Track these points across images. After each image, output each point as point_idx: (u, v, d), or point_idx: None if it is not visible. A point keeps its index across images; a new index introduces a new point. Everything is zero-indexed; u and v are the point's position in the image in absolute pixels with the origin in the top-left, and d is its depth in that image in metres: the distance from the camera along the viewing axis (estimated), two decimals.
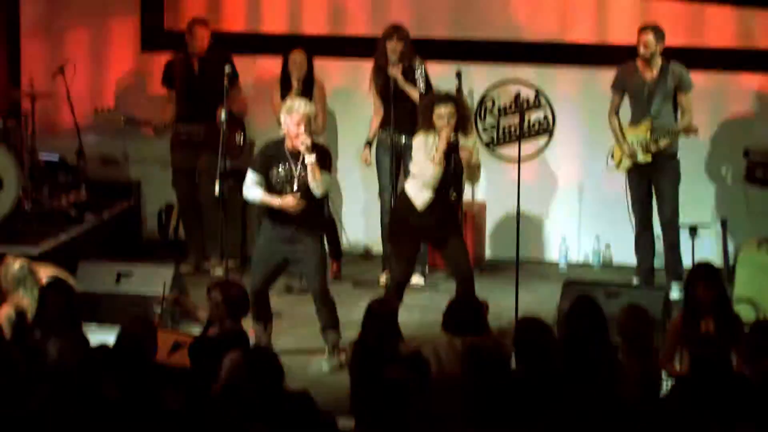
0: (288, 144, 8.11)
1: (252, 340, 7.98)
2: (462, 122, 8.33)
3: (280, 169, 8.12)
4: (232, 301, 7.41)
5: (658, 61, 9.40)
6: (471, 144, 8.40)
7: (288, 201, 8.07)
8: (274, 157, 8.17)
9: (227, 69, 9.42)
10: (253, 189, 8.17)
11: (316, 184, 8.05)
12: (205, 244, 10.19)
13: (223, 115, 9.30)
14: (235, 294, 7.47)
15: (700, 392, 5.92)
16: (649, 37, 9.33)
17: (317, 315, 8.38)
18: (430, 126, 8.31)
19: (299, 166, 8.10)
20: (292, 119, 8.04)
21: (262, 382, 5.88)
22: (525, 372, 6.42)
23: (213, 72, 9.72)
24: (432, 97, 8.66)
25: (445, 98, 8.40)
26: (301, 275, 9.04)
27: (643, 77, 9.44)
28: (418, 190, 8.35)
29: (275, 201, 8.11)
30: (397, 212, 8.70)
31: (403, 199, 8.49)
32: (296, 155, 8.09)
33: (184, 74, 9.91)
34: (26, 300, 7.67)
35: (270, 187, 8.13)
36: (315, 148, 8.05)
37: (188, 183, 10.10)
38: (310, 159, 8.00)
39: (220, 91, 9.46)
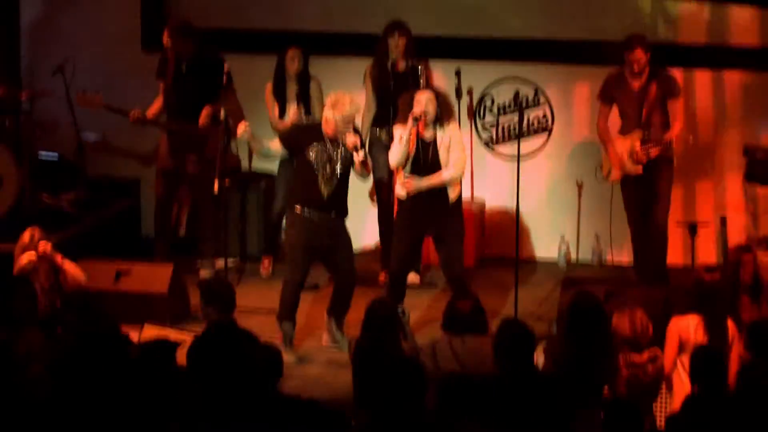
0: (325, 129, 8.22)
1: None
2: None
3: (316, 150, 8.22)
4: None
5: (646, 69, 9.28)
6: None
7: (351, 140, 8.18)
8: (307, 137, 8.28)
9: (226, 67, 9.41)
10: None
11: (364, 173, 8.31)
12: (202, 245, 10.13)
13: (222, 113, 9.29)
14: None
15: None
16: (639, 54, 9.16)
17: (335, 295, 8.46)
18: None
19: (339, 149, 8.23)
20: (339, 115, 8.14)
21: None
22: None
23: (201, 73, 9.68)
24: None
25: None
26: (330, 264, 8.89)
27: (631, 86, 9.28)
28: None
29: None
30: (402, 205, 8.73)
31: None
32: (334, 138, 8.23)
33: (173, 72, 9.84)
34: None
35: (307, 167, 8.21)
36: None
37: (170, 183, 9.98)
38: (359, 157, 8.14)
39: (208, 91, 9.43)
